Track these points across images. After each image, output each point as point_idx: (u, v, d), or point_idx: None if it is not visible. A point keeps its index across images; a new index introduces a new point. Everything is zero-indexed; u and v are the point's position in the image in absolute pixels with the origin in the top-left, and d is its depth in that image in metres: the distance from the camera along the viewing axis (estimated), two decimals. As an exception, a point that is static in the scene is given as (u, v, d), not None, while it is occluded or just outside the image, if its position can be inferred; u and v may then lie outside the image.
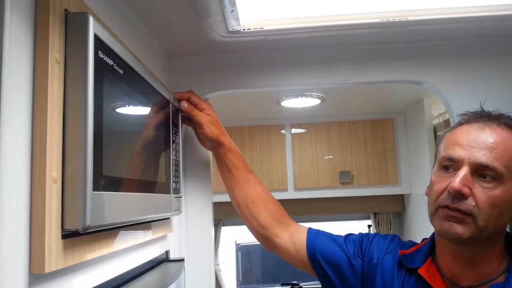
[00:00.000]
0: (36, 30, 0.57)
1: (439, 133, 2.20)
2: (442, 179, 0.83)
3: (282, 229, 1.12)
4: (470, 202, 0.78)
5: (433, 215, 0.84)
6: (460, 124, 0.88)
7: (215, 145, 1.15)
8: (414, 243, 0.98)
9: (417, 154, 2.31)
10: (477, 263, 0.84)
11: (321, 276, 1.04)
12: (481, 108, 0.88)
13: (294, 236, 1.10)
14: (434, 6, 1.06)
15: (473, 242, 0.80)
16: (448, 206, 0.79)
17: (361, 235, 1.06)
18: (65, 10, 0.61)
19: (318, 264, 1.04)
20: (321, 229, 1.13)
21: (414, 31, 1.16)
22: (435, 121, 2.25)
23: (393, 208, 2.57)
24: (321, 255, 1.04)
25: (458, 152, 0.81)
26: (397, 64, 1.25)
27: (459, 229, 0.79)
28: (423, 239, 0.98)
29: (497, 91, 1.19)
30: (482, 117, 0.86)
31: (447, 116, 2.21)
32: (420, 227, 2.30)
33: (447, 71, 1.23)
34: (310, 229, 1.11)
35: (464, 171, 0.79)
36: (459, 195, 0.78)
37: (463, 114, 0.90)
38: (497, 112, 0.86)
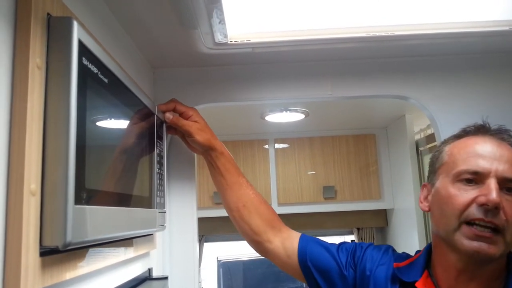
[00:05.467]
0: (16, 33, 0.54)
1: (421, 148, 2.22)
2: (464, 192, 0.79)
3: (274, 234, 1.09)
4: (502, 216, 0.75)
5: (454, 231, 0.79)
6: (461, 136, 0.87)
7: (207, 150, 1.12)
8: (408, 255, 0.96)
9: (399, 169, 2.33)
10: (479, 281, 0.81)
11: (312, 284, 1.02)
12: (484, 122, 0.87)
13: (286, 242, 1.07)
14: (420, 22, 1.07)
15: (498, 259, 0.78)
16: (483, 220, 0.75)
17: (354, 244, 1.03)
18: (48, 14, 0.58)
19: (308, 271, 1.01)
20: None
21: (401, 46, 1.17)
22: (417, 137, 2.28)
23: (376, 223, 2.57)
24: (312, 263, 1.01)
25: (483, 165, 0.78)
26: (383, 79, 1.25)
27: (492, 249, 0.75)
28: (417, 251, 0.96)
29: (482, 106, 1.20)
30: (491, 130, 0.84)
31: (428, 131, 2.24)
32: (403, 242, 2.31)
33: (433, 86, 1.24)
34: (303, 236, 1.08)
35: (493, 183, 0.76)
36: (494, 209, 0.74)
37: (467, 127, 0.88)
38: (503, 126, 0.85)
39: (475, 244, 0.76)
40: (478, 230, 0.76)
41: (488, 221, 0.75)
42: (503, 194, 0.77)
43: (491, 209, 0.75)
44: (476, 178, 0.79)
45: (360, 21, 1.07)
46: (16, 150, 0.51)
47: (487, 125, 0.86)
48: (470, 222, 0.77)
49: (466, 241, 0.77)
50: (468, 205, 0.77)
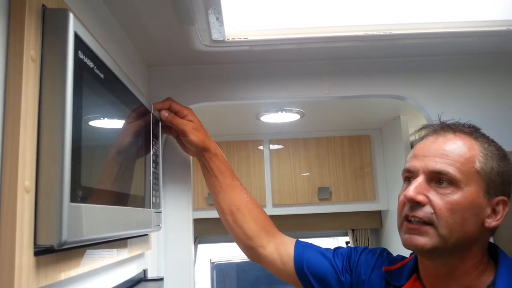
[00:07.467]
0: (10, 25, 0.52)
1: (416, 149, 2.22)
2: (403, 192, 0.83)
3: (268, 239, 1.07)
4: (428, 209, 0.77)
5: (399, 229, 0.83)
6: (422, 138, 0.89)
7: (200, 151, 1.10)
8: (403, 257, 0.96)
9: (394, 170, 2.32)
10: (456, 276, 0.81)
11: None
12: (439, 120, 0.89)
13: (280, 247, 1.06)
14: (418, 21, 1.07)
15: (440, 253, 0.78)
16: (407, 216, 0.79)
17: (349, 249, 1.02)
18: (43, 5, 0.56)
19: (305, 278, 1.00)
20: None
21: (398, 45, 1.16)
22: (412, 138, 2.28)
23: (370, 225, 2.56)
24: (309, 270, 1.00)
25: (413, 163, 0.81)
26: (381, 78, 1.25)
27: (420, 240, 0.77)
28: (411, 253, 0.95)
29: (480, 106, 1.20)
30: (438, 128, 0.86)
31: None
32: (397, 243, 2.29)
33: (431, 86, 1.23)
34: (298, 242, 1.07)
35: (419, 179, 0.79)
36: (415, 203, 0.78)
37: (423, 128, 0.91)
38: (454, 121, 0.87)
39: (406, 237, 0.80)
40: (408, 223, 0.79)
41: (411, 215, 0.79)
42: (435, 188, 0.78)
43: (412, 204, 0.79)
44: (411, 176, 0.82)
45: (358, 19, 1.06)
46: (10, 145, 0.49)
47: (441, 123, 0.87)
48: (405, 219, 0.81)
49: (402, 236, 0.81)
50: (405, 203, 0.81)
